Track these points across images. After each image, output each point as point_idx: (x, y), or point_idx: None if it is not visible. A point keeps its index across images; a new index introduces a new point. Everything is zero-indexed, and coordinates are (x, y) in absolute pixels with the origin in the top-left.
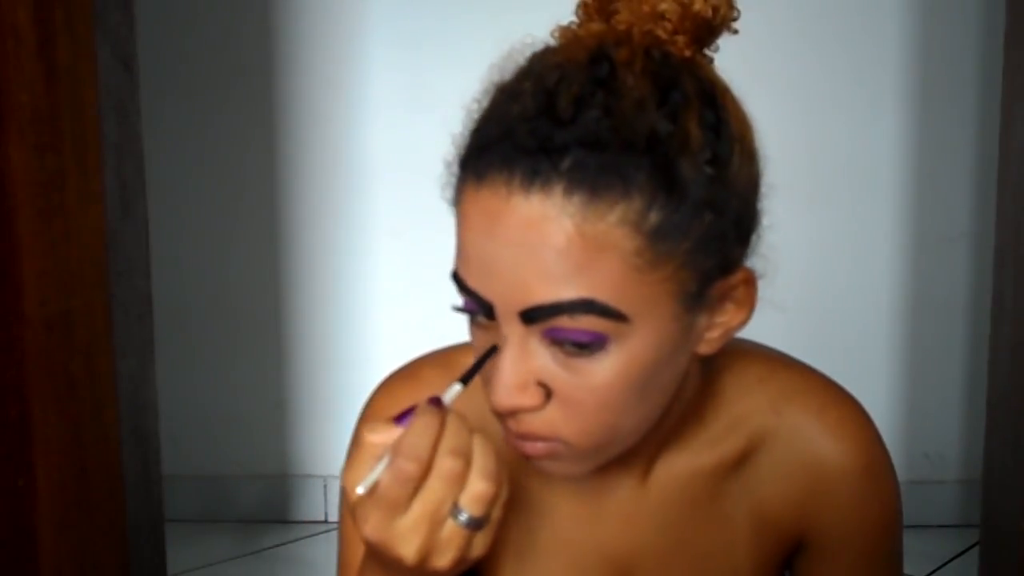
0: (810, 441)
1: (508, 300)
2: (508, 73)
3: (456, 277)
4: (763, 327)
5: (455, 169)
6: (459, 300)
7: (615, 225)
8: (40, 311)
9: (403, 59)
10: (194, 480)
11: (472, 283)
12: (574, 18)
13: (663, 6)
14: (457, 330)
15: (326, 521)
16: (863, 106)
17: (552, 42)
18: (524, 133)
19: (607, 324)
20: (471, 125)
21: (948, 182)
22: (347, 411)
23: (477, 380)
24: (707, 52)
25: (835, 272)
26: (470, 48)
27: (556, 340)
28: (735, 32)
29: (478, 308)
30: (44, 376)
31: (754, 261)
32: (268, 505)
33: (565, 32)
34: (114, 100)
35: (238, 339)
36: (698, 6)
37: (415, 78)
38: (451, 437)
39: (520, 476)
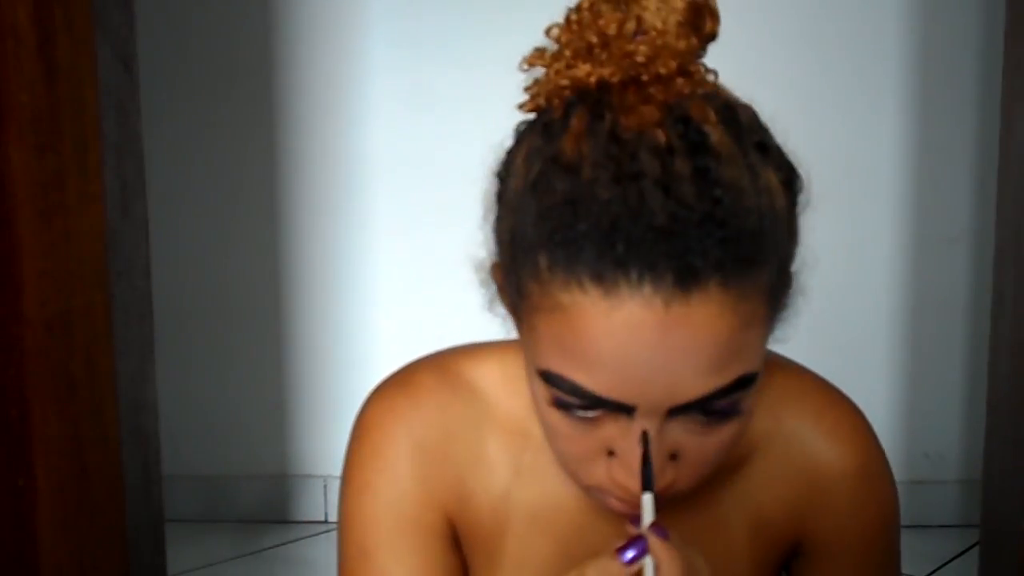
0: (807, 444)
1: (657, 402)
2: (561, 147)
3: (565, 380)
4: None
5: (522, 252)
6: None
7: (758, 297)
8: (40, 311)
9: (403, 58)
10: (194, 480)
11: (604, 391)
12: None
13: (676, 42)
14: (457, 330)
15: (326, 521)
16: (863, 106)
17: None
18: (655, 228)
19: (751, 390)
20: (542, 212)
21: (948, 182)
22: (347, 411)
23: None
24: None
25: (835, 272)
26: (470, 48)
27: (699, 416)
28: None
29: (601, 407)
30: (44, 376)
31: None
32: (268, 505)
33: (553, 78)
34: (114, 100)
35: (238, 339)
36: (709, 26)
37: (415, 77)
38: (691, 568)
39: (523, 484)
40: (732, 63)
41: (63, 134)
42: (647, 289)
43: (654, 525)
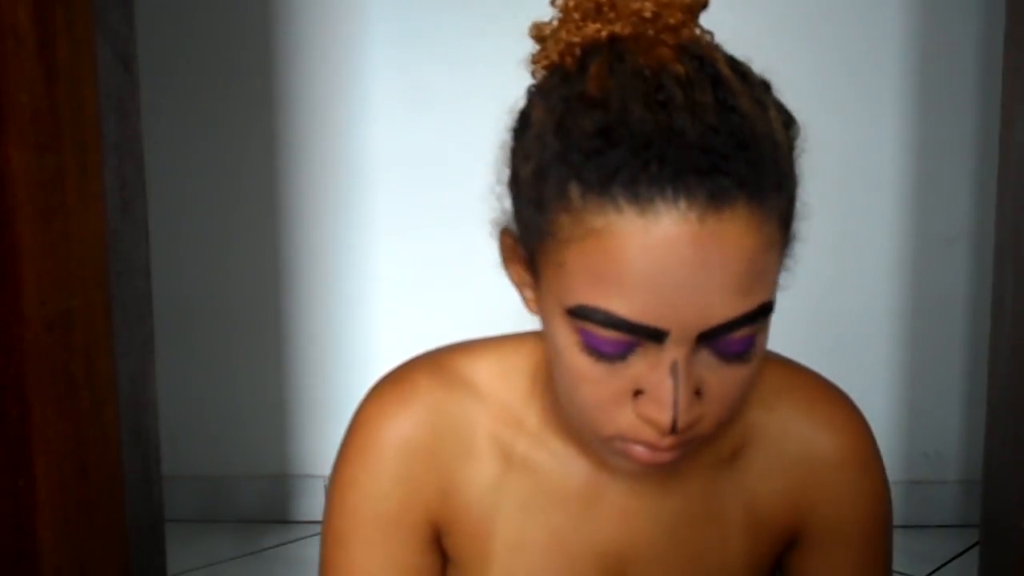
0: (801, 435)
1: (692, 323)
2: (584, 88)
3: (605, 317)
4: None
5: (554, 181)
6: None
7: (775, 222)
8: (40, 311)
9: (403, 58)
10: (194, 480)
11: (638, 316)
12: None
13: None
14: (457, 329)
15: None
16: (863, 106)
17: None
18: (688, 146)
19: (765, 322)
20: (572, 144)
21: (948, 182)
22: (347, 411)
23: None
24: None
25: (835, 272)
26: (470, 47)
27: (719, 352)
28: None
29: (626, 339)
30: (44, 376)
31: None
32: (268, 505)
33: (563, 28)
34: (114, 100)
35: (238, 339)
36: None
37: (415, 77)
38: None
39: (515, 474)
40: None
41: (63, 134)
42: (682, 204)
43: None
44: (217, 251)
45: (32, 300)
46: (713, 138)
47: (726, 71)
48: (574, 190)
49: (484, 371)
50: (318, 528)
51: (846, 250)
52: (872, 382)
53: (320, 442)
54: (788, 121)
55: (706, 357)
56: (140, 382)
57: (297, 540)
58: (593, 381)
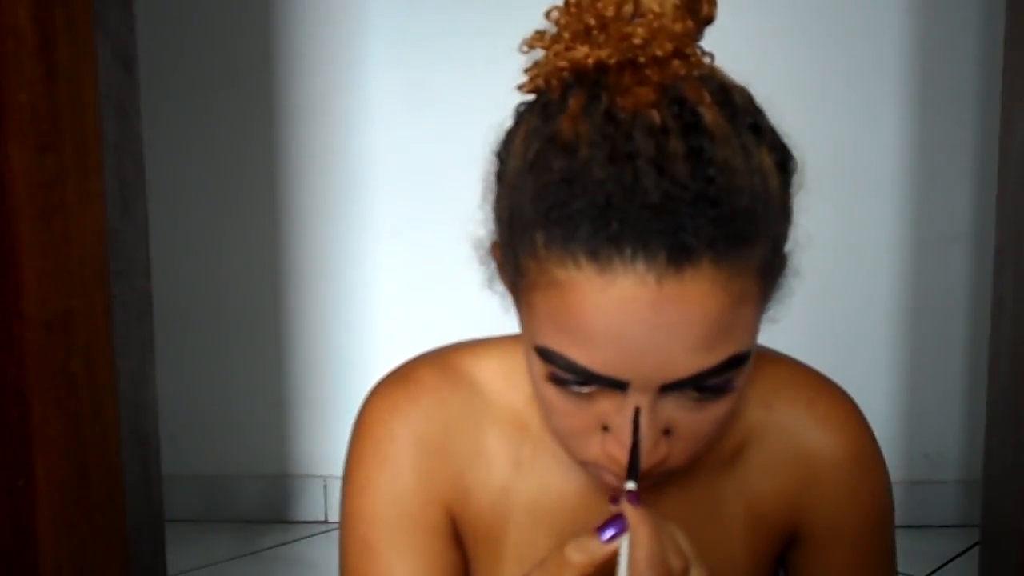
0: (800, 433)
1: (652, 377)
2: (558, 127)
3: (560, 356)
4: (763, 325)
5: (521, 229)
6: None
7: (750, 280)
8: (40, 311)
9: (403, 58)
10: (194, 480)
11: (599, 368)
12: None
13: (672, 25)
14: (457, 329)
15: (326, 521)
16: (863, 106)
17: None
18: (649, 206)
19: (743, 368)
20: (540, 190)
21: (948, 182)
22: (347, 411)
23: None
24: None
25: (835, 272)
26: (470, 47)
27: (692, 393)
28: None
29: (595, 386)
30: (44, 376)
31: None
32: (268, 505)
33: (552, 59)
34: (114, 100)
35: (237, 339)
36: (706, 9)
37: (415, 77)
38: (668, 540)
39: (522, 477)
40: (732, 62)
41: (63, 134)
42: (640, 266)
43: (630, 494)
44: (217, 251)
45: (32, 300)
46: (678, 196)
47: (709, 116)
48: (540, 238)
49: (488, 371)
50: (318, 528)
51: (846, 250)
52: (872, 382)
53: (320, 442)
54: (783, 160)
55: (677, 399)
56: (140, 382)
57: (297, 540)
58: (563, 412)
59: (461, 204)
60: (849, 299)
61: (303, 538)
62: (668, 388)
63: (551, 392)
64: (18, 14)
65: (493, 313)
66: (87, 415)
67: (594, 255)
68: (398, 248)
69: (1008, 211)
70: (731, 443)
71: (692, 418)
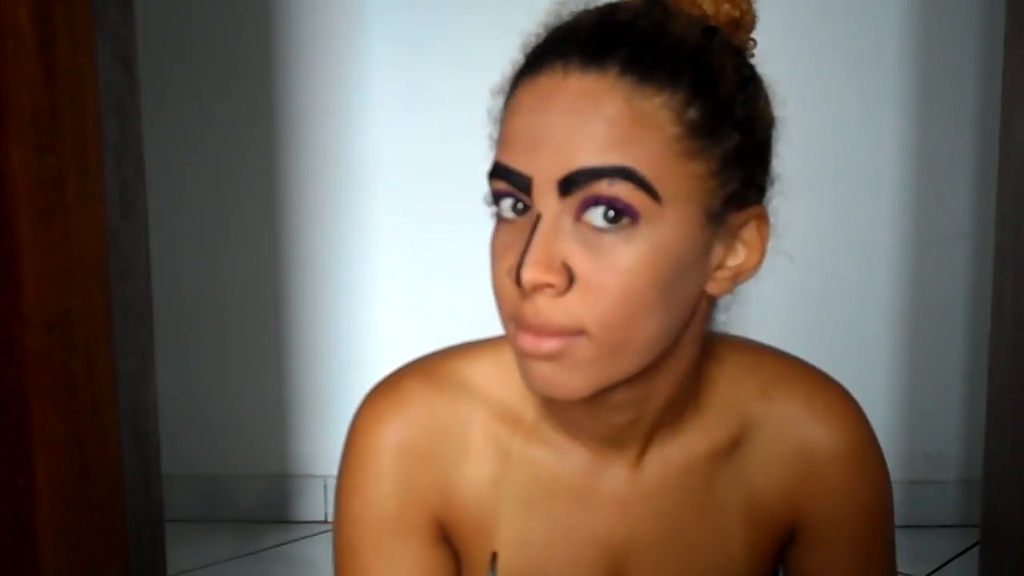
0: (799, 427)
1: (550, 169)
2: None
3: (494, 169)
4: (763, 325)
5: (506, 88)
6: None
7: (660, 107)
8: (40, 311)
9: (403, 58)
10: (194, 480)
11: (513, 162)
12: None
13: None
14: (456, 329)
15: (326, 521)
16: (863, 106)
17: None
18: (584, 30)
19: (641, 198)
20: (525, 47)
21: (948, 182)
22: (347, 411)
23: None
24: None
25: (835, 272)
26: (470, 47)
27: (589, 213)
28: (751, 55)
29: (514, 192)
30: (44, 376)
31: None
32: (268, 505)
33: None
34: (114, 100)
35: (238, 339)
36: (727, 7)
37: (415, 77)
38: None
39: (513, 469)
40: None
41: (63, 134)
42: (558, 64)
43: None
44: (217, 251)
45: (32, 300)
46: (612, 27)
47: (680, 4)
48: (514, 79)
49: (479, 371)
50: (318, 528)
51: (846, 250)
52: (872, 382)
53: (320, 442)
54: (749, 75)
55: (580, 231)
56: (140, 382)
57: (297, 540)
58: (499, 256)
59: (461, 204)
60: (849, 299)
61: (303, 538)
62: (565, 186)
63: (496, 238)
64: (18, 14)
65: (492, 313)
66: (87, 415)
67: (533, 65)
68: (398, 248)
69: (1008, 211)
70: (730, 434)
71: (594, 260)
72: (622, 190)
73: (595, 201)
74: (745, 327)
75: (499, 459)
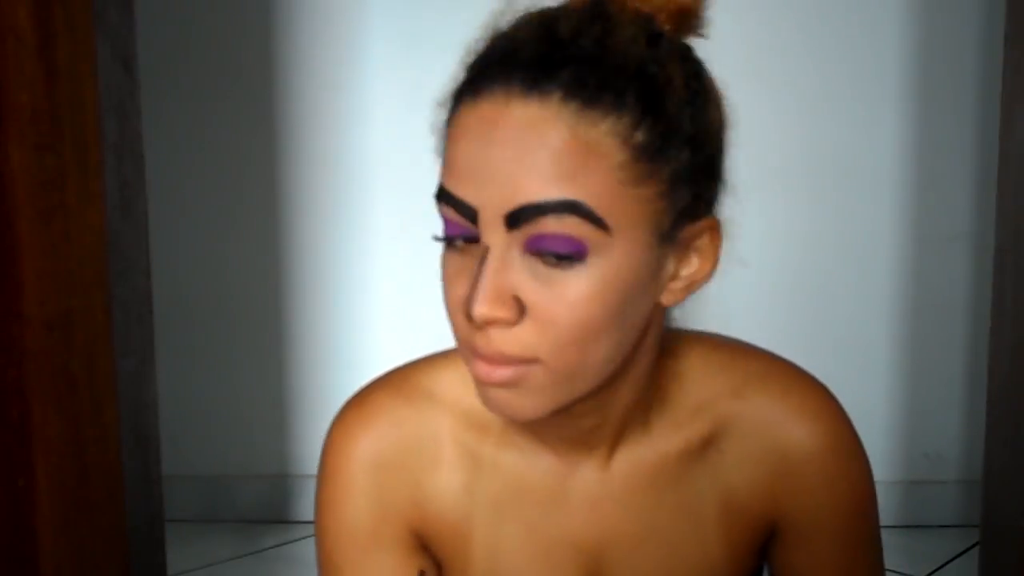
0: (774, 424)
1: (496, 203)
2: (505, 22)
3: (440, 194)
4: (763, 325)
5: (448, 104)
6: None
7: (606, 134)
8: (40, 311)
9: (403, 58)
10: (194, 480)
11: (459, 191)
12: None
13: None
14: None
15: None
16: (863, 106)
17: None
18: (524, 50)
19: (590, 231)
20: (468, 61)
21: (948, 182)
22: None
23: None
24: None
25: (835, 272)
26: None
27: (538, 250)
28: (704, 37)
29: (460, 221)
30: (44, 376)
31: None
32: (268, 505)
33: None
34: (114, 100)
35: (238, 339)
36: None
37: (415, 77)
38: None
39: (485, 475)
40: (732, 63)
41: (63, 134)
42: (498, 90)
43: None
44: (217, 251)
45: (32, 300)
46: (553, 47)
47: (621, 15)
48: (455, 99)
49: (446, 380)
50: None
51: (846, 250)
52: (872, 382)
53: (320, 442)
54: (697, 86)
55: (529, 263)
56: (140, 382)
57: (297, 540)
58: (450, 282)
59: None
60: (849, 299)
61: (303, 538)
62: (512, 220)
63: (445, 263)
64: (18, 14)
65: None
66: (87, 415)
67: (473, 89)
68: (398, 248)
69: (1008, 211)
70: (703, 432)
71: (545, 293)
72: (569, 224)
73: (542, 241)
74: (745, 327)
75: (470, 467)
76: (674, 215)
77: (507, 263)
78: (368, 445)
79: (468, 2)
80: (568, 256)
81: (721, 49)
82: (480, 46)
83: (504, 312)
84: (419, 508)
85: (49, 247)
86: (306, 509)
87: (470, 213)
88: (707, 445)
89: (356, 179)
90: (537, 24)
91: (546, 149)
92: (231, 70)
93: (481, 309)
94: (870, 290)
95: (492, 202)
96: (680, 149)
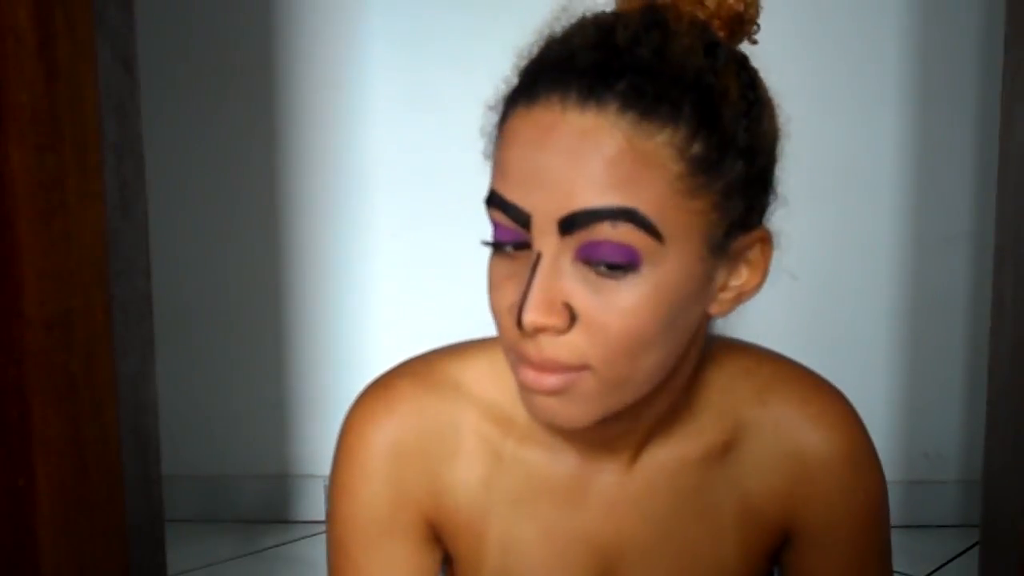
0: (793, 431)
1: (550, 208)
2: (560, 27)
3: (492, 198)
4: (763, 325)
5: (500, 107)
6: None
7: (662, 145)
8: (40, 311)
9: (403, 59)
10: (194, 480)
11: (512, 196)
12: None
13: None
14: (457, 329)
15: (326, 521)
16: (863, 106)
17: None
18: (582, 58)
19: (643, 240)
20: (522, 66)
21: (948, 182)
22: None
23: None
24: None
25: (835, 272)
26: (471, 47)
27: (590, 259)
28: (754, 42)
29: (511, 226)
30: (44, 376)
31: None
32: (268, 505)
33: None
34: (114, 100)
35: (238, 339)
36: (731, 2)
37: (415, 78)
38: None
39: (504, 471)
40: None
41: (63, 134)
42: (554, 97)
43: None
44: (217, 251)
45: (32, 300)
46: (610, 55)
47: (679, 26)
48: (510, 101)
49: (472, 372)
50: (318, 528)
51: (846, 250)
52: (872, 382)
53: (320, 442)
54: (753, 97)
55: (581, 270)
56: (140, 382)
57: (297, 540)
58: (497, 287)
59: (461, 204)
60: (849, 299)
61: (303, 538)
62: (565, 226)
63: (493, 267)
64: (18, 14)
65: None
66: (87, 415)
67: (528, 95)
68: (398, 248)
69: (1008, 211)
70: (723, 437)
71: (596, 301)
72: (624, 232)
73: (596, 248)
74: (745, 327)
75: (490, 460)
76: (726, 226)
77: (558, 270)
78: (389, 431)
79: (468, 3)
80: (621, 266)
81: None
82: (535, 51)
83: (555, 319)
84: (435, 499)
85: (49, 247)
86: (306, 509)
87: (522, 218)
88: (727, 450)
89: (356, 179)
90: (593, 31)
91: (602, 157)
92: (231, 70)
93: (532, 316)
94: (870, 290)
95: (546, 207)
96: (735, 161)
